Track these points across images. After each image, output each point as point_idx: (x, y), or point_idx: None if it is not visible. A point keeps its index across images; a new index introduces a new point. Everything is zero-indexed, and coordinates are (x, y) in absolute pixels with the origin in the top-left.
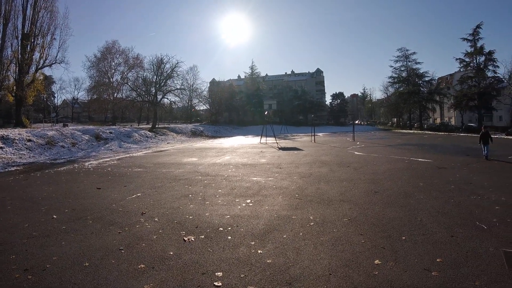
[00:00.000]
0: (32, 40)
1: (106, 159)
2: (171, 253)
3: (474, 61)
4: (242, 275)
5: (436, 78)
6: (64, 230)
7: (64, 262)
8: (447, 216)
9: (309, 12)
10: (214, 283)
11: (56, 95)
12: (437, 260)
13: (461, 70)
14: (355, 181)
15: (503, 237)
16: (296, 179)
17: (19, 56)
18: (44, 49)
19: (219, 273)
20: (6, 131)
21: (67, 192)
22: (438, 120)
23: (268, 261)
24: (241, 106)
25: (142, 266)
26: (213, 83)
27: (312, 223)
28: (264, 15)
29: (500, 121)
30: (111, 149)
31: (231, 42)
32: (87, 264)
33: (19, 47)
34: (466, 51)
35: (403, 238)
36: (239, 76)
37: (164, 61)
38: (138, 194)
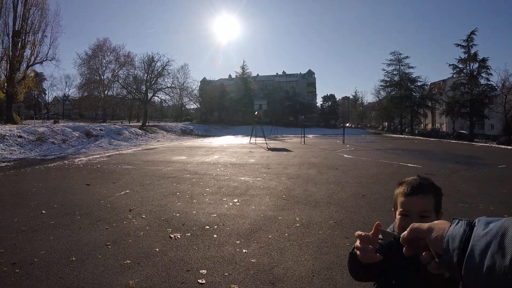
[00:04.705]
0: (23, 37)
1: (96, 156)
2: (157, 249)
3: (468, 68)
4: (226, 273)
5: (429, 84)
6: (52, 225)
7: (51, 256)
8: None
9: (301, 12)
10: (198, 280)
11: (47, 92)
12: None
13: (454, 76)
14: (343, 184)
15: None
16: (284, 180)
17: (10, 53)
18: (35, 46)
19: (203, 271)
20: None
21: (57, 188)
22: (429, 126)
23: (252, 260)
24: (231, 105)
25: (128, 261)
26: (204, 82)
27: (298, 224)
28: (255, 15)
29: (491, 130)
30: (101, 146)
31: (223, 42)
32: (74, 258)
33: (10, 44)
34: (460, 57)
35: None
36: (230, 76)
37: (155, 59)
38: (127, 191)
